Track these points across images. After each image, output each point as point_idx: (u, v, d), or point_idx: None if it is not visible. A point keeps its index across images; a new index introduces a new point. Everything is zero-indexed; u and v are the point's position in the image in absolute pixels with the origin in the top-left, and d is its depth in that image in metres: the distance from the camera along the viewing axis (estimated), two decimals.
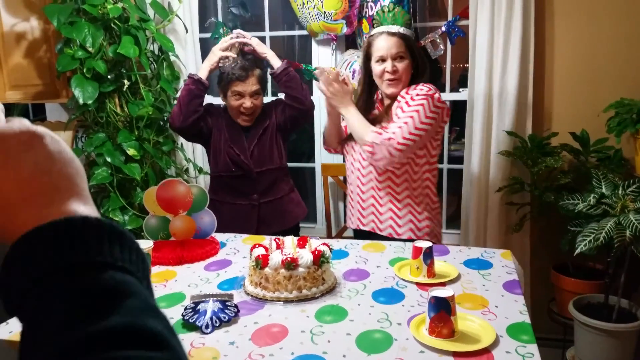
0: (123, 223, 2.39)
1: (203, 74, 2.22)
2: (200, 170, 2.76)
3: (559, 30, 2.48)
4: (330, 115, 2.08)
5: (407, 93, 1.96)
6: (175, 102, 2.25)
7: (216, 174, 2.29)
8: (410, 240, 1.96)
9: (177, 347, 0.37)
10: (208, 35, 2.93)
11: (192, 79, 2.20)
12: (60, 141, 0.45)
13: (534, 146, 2.39)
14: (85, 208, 0.43)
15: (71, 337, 0.34)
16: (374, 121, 2.00)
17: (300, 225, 2.47)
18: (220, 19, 2.96)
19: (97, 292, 0.37)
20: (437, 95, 1.92)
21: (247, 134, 2.28)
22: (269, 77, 2.39)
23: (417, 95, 1.91)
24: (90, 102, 2.35)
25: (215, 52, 2.24)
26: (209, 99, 2.67)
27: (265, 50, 2.27)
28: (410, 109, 1.88)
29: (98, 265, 0.38)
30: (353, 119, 1.96)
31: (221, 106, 2.37)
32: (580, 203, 2.10)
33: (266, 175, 2.28)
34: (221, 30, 2.87)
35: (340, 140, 2.17)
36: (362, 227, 2.08)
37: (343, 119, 2.10)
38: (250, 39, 2.27)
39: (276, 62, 2.26)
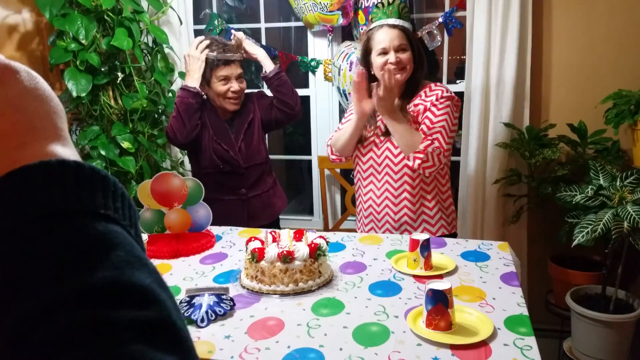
0: None
1: (196, 83, 2.13)
2: None
3: (557, 21, 2.46)
4: (359, 122, 1.96)
5: (426, 96, 1.95)
6: (173, 116, 2.15)
7: (203, 172, 2.23)
8: (444, 236, 1.97)
9: (166, 302, 0.34)
10: (203, 27, 2.90)
11: (189, 91, 2.12)
12: (37, 77, 0.41)
13: (532, 138, 2.38)
14: (63, 150, 0.39)
15: (50, 295, 0.31)
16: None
17: (298, 218, 2.45)
18: (215, 10, 2.93)
19: (78, 244, 0.33)
20: (454, 96, 1.96)
21: (232, 128, 2.24)
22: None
23: (442, 97, 1.92)
24: (83, 94, 2.32)
25: (196, 55, 2.13)
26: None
27: (257, 52, 2.24)
28: (440, 112, 1.90)
29: (78, 213, 0.34)
30: (402, 127, 1.88)
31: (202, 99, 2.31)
32: (578, 194, 2.09)
33: (253, 169, 2.26)
34: (216, 22, 2.85)
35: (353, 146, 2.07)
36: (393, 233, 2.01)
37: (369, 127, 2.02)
38: (244, 40, 2.24)
39: (268, 65, 2.22)
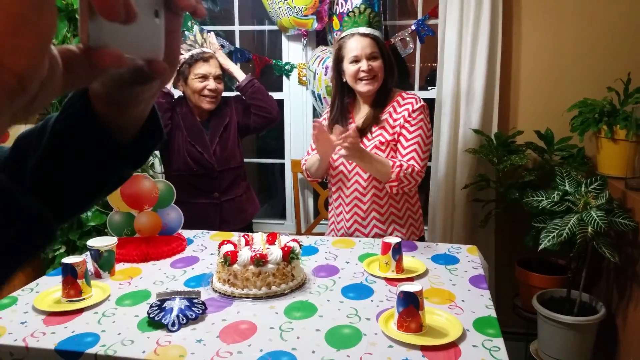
0: (86, 219, 2.32)
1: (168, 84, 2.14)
2: None
3: (526, 31, 2.53)
4: (323, 159, 1.98)
5: (399, 107, 1.96)
6: None
7: (175, 173, 2.22)
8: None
9: None
10: None
11: (160, 91, 2.11)
12: None
13: (500, 144, 2.43)
14: None
15: None
16: (363, 131, 1.97)
17: (270, 222, 2.45)
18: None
19: None
20: (425, 104, 1.97)
21: (208, 130, 2.23)
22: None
23: (414, 110, 1.93)
24: None
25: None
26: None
27: (228, 64, 2.25)
28: (414, 128, 1.92)
29: None
30: (372, 164, 1.85)
31: (173, 100, 2.29)
32: (544, 200, 2.14)
33: (228, 173, 2.25)
34: (189, 24, 2.82)
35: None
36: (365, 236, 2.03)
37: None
38: (219, 49, 2.25)
39: (240, 75, 2.24)
